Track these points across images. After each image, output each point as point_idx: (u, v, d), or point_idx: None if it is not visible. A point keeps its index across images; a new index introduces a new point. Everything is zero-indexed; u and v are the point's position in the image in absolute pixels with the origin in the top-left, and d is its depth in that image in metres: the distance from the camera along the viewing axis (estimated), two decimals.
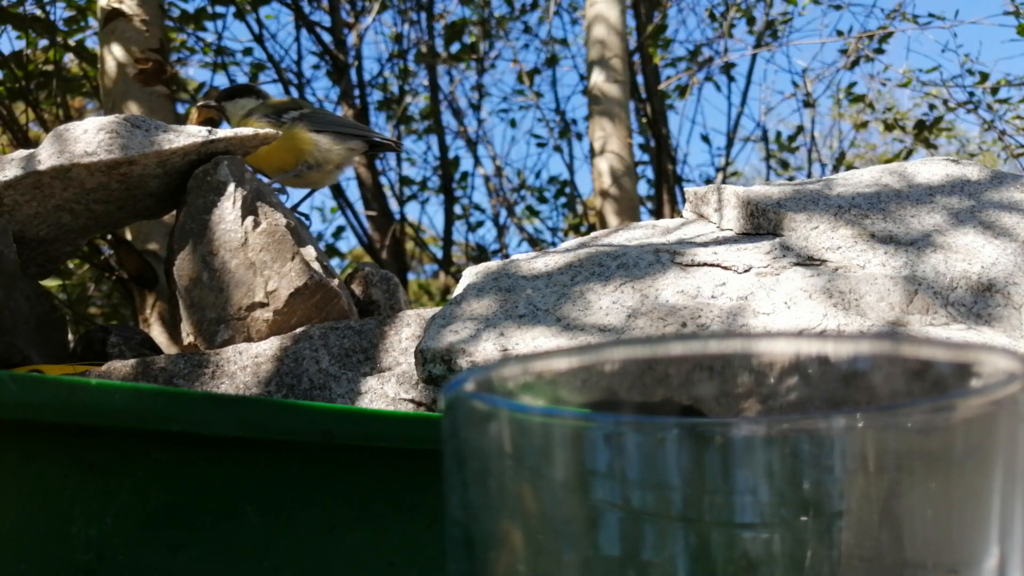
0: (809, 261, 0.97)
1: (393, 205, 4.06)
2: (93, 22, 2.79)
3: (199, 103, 1.62)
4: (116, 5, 2.24)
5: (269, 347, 1.07)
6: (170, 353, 1.20)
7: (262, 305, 1.16)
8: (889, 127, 3.95)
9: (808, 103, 3.96)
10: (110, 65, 2.25)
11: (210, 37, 3.58)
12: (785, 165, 4.38)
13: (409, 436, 0.53)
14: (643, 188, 4.27)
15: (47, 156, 1.16)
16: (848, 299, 0.91)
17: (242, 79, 3.75)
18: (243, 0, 3.38)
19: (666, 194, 3.91)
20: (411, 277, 4.51)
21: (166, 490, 0.47)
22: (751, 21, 4.05)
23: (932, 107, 3.69)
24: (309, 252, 1.21)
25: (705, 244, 1.05)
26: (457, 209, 4.29)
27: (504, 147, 9.33)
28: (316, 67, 4.13)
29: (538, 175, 5.53)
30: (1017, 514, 0.23)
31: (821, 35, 4.18)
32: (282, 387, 1.03)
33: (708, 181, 4.40)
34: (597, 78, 3.06)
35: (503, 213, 4.39)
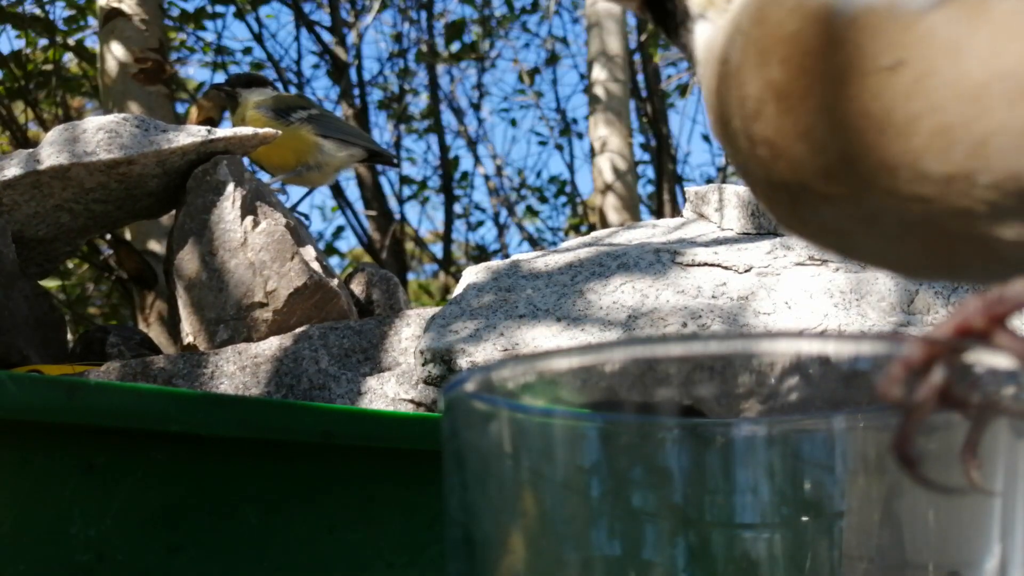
0: (810, 261, 0.97)
1: (393, 205, 4.06)
2: (93, 21, 2.79)
3: (209, 88, 1.65)
4: (115, 4, 2.24)
5: (269, 347, 1.07)
6: (170, 353, 1.20)
7: (261, 305, 1.16)
8: None
9: None
10: (110, 64, 2.25)
11: (210, 36, 3.58)
12: None
13: (409, 436, 0.53)
14: (644, 187, 4.27)
15: (46, 156, 1.16)
16: (849, 299, 0.91)
17: None
18: (243, 0, 3.38)
19: (667, 194, 3.90)
20: (411, 277, 4.50)
21: (166, 490, 0.47)
22: None
23: None
24: (309, 252, 1.21)
25: (706, 244, 1.04)
26: (457, 208, 4.29)
27: (504, 147, 9.33)
28: (316, 66, 4.14)
29: (539, 175, 5.53)
30: (1018, 513, 0.23)
31: None
32: (282, 387, 1.03)
33: (709, 180, 4.40)
34: (598, 77, 3.06)
35: (503, 213, 4.39)
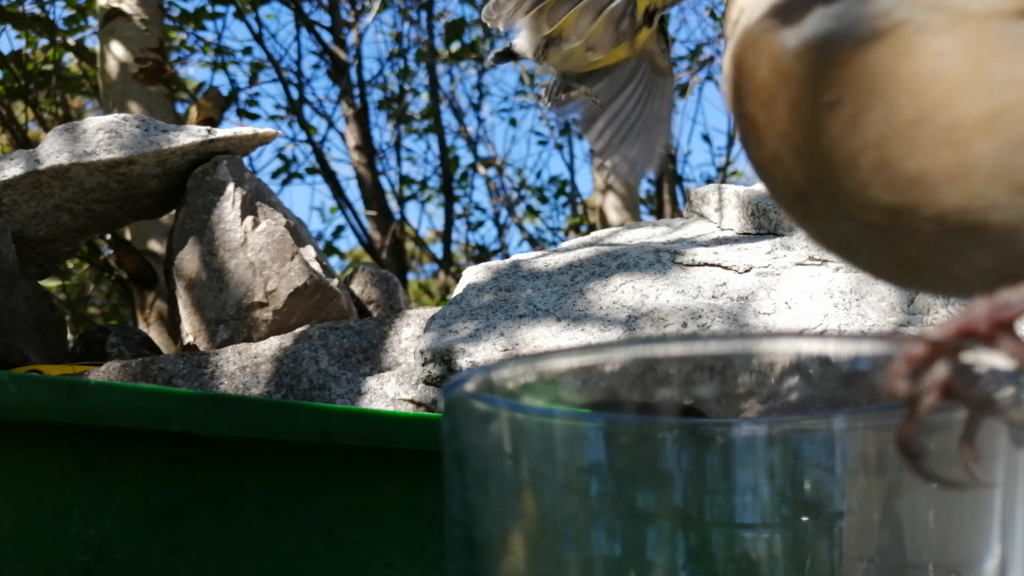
0: (810, 261, 0.97)
1: (393, 205, 4.06)
2: (93, 21, 2.79)
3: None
4: (115, 4, 2.24)
5: (268, 347, 1.07)
6: (170, 353, 1.20)
7: (261, 305, 1.16)
8: None
9: None
10: (110, 64, 2.25)
11: (210, 36, 3.58)
12: None
13: (409, 436, 0.53)
14: (643, 187, 4.27)
15: (46, 156, 1.16)
16: (849, 299, 0.91)
17: (242, 78, 3.75)
18: (243, 0, 3.37)
19: (667, 193, 3.90)
20: (411, 277, 4.51)
21: (166, 490, 0.47)
22: None
23: None
24: (309, 252, 1.21)
25: (706, 244, 1.04)
26: (457, 208, 4.29)
27: (505, 147, 9.33)
28: (316, 66, 4.14)
29: (539, 175, 5.53)
30: (1018, 513, 0.23)
31: None
32: (281, 387, 1.03)
33: (709, 180, 4.40)
34: None
35: (503, 213, 4.39)
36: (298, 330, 1.10)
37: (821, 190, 0.28)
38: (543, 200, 4.59)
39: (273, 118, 3.84)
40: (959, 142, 0.25)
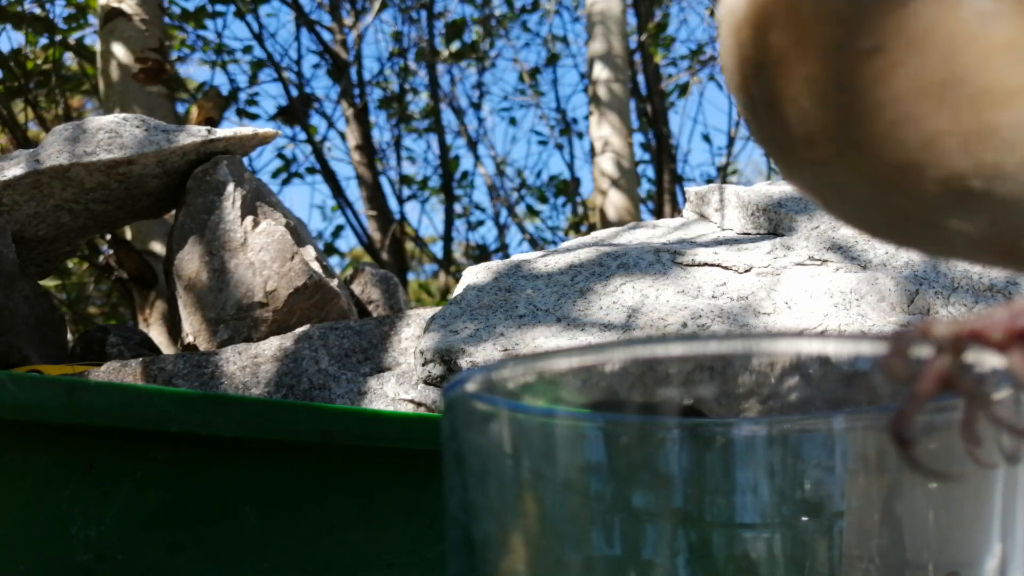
0: (810, 261, 0.97)
1: (393, 205, 4.06)
2: (93, 20, 2.79)
3: None
4: (116, 4, 2.24)
5: (268, 347, 1.06)
6: (169, 353, 1.20)
7: (261, 305, 1.16)
8: None
9: None
10: (110, 64, 2.25)
11: (210, 36, 3.58)
12: None
13: (409, 436, 0.53)
14: (644, 187, 4.27)
15: (46, 156, 1.16)
16: (849, 299, 0.91)
17: (242, 78, 3.75)
18: (243, 0, 3.37)
19: (667, 194, 3.90)
20: (411, 277, 4.50)
21: (166, 490, 0.47)
22: None
23: None
24: (309, 252, 1.21)
25: (706, 244, 1.04)
26: (457, 208, 4.29)
27: (505, 146, 9.32)
28: (316, 66, 4.14)
29: (539, 175, 5.53)
30: (1018, 513, 0.23)
31: None
32: (281, 387, 1.02)
33: (709, 180, 4.39)
34: (598, 76, 3.06)
35: (503, 212, 4.39)
36: (298, 330, 1.10)
37: (833, 138, 0.28)
38: (543, 200, 4.59)
39: (273, 118, 3.84)
40: (982, 109, 0.25)
